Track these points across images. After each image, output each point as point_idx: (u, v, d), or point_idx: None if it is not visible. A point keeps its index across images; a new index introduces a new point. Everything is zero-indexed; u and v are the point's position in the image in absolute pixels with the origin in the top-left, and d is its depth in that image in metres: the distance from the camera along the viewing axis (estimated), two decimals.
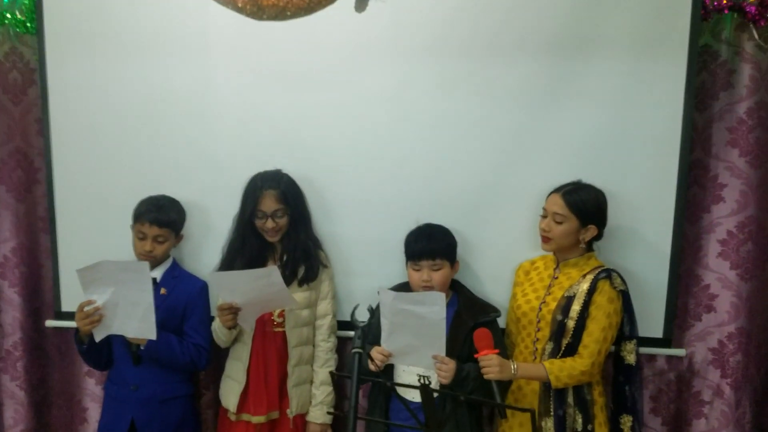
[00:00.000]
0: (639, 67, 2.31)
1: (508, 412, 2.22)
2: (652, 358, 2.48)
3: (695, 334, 2.46)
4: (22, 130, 2.70)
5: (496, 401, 1.91)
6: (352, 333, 2.43)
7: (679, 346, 2.47)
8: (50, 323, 2.74)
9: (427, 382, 1.65)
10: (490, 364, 1.97)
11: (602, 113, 2.35)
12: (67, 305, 2.64)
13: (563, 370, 2.05)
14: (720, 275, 2.42)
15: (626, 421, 2.21)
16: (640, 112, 2.33)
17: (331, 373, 1.78)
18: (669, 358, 2.48)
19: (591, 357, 2.07)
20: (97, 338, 2.21)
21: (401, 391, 2.21)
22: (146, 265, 2.16)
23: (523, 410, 1.61)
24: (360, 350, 1.65)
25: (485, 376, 1.97)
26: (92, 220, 2.60)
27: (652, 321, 2.38)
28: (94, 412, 2.80)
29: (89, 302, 2.16)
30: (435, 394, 1.75)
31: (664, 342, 2.42)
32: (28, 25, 2.58)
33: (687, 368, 2.49)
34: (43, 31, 2.55)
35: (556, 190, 2.20)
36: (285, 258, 2.35)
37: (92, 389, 2.80)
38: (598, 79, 2.33)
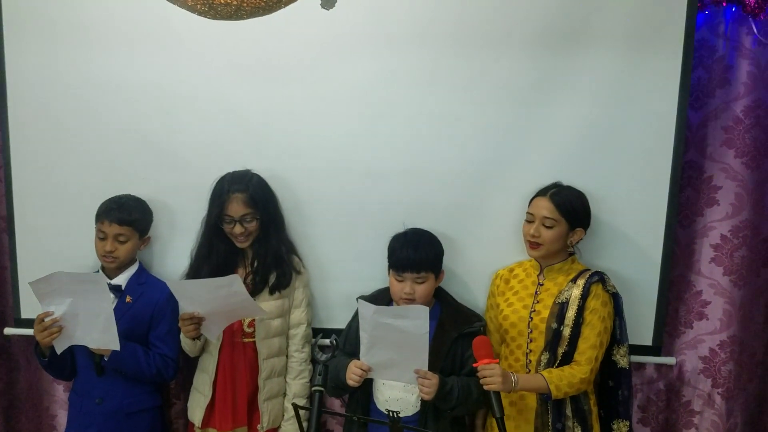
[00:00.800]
0: (631, 62, 2.21)
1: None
2: (641, 366, 2.40)
3: (686, 341, 2.40)
4: None
5: (495, 416, 1.81)
6: (326, 342, 2.38)
7: (669, 354, 2.41)
8: (9, 331, 2.61)
9: (395, 417, 1.55)
10: (493, 374, 1.86)
11: (592, 110, 2.25)
12: (27, 312, 2.51)
13: (563, 379, 1.96)
14: (713, 281, 2.34)
15: (622, 426, 2.12)
16: (632, 110, 2.23)
17: (293, 404, 1.67)
18: (658, 366, 2.42)
19: (589, 363, 1.99)
20: (59, 350, 2.10)
21: (380, 402, 2.13)
22: (102, 277, 2.06)
23: None
24: (321, 388, 1.55)
25: (485, 387, 1.86)
26: (54, 221, 2.46)
27: (641, 328, 2.31)
28: (62, 419, 2.69)
29: (47, 314, 2.05)
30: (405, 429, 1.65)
31: (653, 350, 2.35)
32: None
33: (677, 377, 2.42)
34: (1, 18, 2.39)
35: (541, 193, 2.12)
36: (255, 264, 2.23)
37: (61, 396, 2.69)
38: (588, 73, 2.23)
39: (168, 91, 2.37)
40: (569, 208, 2.05)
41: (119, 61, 2.37)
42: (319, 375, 1.58)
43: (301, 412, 1.62)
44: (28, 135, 2.45)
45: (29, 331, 2.42)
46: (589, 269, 2.11)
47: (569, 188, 2.12)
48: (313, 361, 1.76)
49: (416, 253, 2.10)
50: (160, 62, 2.35)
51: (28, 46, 2.40)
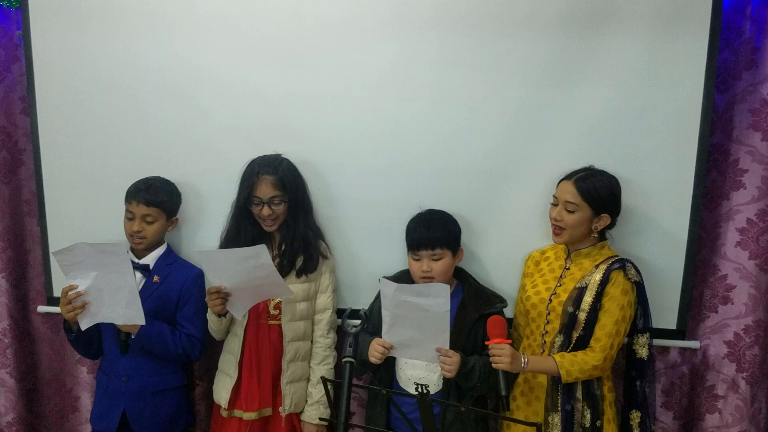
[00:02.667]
0: (656, 44, 2.18)
1: (512, 406, 2.15)
2: (664, 350, 2.39)
3: (710, 326, 2.37)
4: (6, 109, 2.59)
5: (501, 393, 1.83)
6: (353, 322, 2.39)
7: (694, 338, 2.39)
8: (42, 309, 2.67)
9: (424, 391, 1.55)
10: (502, 353, 1.88)
11: (616, 93, 2.23)
12: (58, 291, 2.53)
13: (574, 365, 1.96)
14: (738, 265, 2.32)
15: (635, 416, 2.12)
16: (657, 92, 2.21)
17: (322, 378, 1.68)
18: (682, 350, 2.40)
19: (603, 351, 1.98)
20: (83, 326, 2.12)
21: (402, 381, 2.14)
22: (122, 246, 2.06)
23: (530, 424, 1.51)
24: (352, 360, 1.56)
25: (494, 365, 1.88)
26: (82, 203, 2.50)
27: (665, 312, 2.29)
28: (86, 400, 2.74)
29: (71, 287, 2.07)
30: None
31: (677, 334, 2.33)
32: None
33: (701, 361, 2.40)
34: (28, 4, 2.42)
35: (567, 177, 2.10)
36: (283, 247, 2.24)
37: (84, 377, 2.73)
38: (613, 56, 2.21)
39: (195, 75, 2.39)
40: (592, 193, 2.03)
41: (146, 45, 2.39)
42: (350, 346, 1.59)
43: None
44: (56, 119, 2.48)
45: (59, 309, 2.49)
46: (616, 256, 2.08)
47: (600, 173, 2.08)
48: (344, 332, 1.76)
49: (429, 231, 2.13)
50: (186, 46, 2.37)
51: (54, 30, 2.43)
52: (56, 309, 2.58)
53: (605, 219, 2.06)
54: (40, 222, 2.56)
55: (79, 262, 2.03)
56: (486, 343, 1.94)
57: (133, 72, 2.41)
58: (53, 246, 2.51)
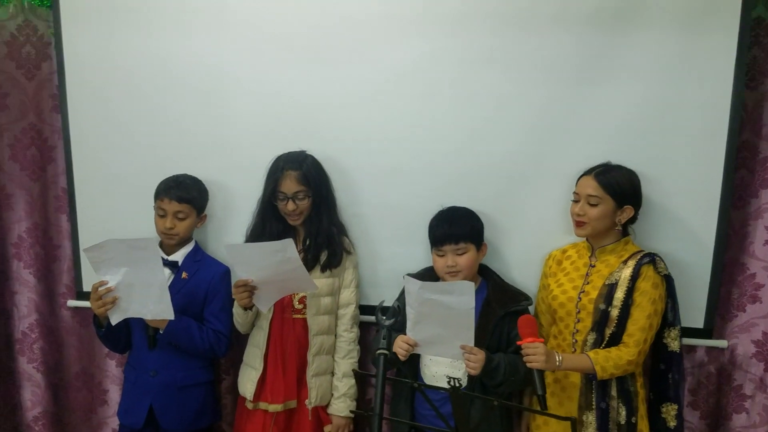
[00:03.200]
0: (685, 40, 2.16)
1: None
2: (691, 349, 2.37)
3: (738, 325, 2.34)
4: (36, 107, 2.63)
5: (537, 393, 1.81)
6: (374, 318, 2.40)
7: (721, 337, 2.36)
8: (72, 303, 2.71)
9: (457, 385, 1.55)
10: (536, 352, 1.87)
11: (644, 90, 2.21)
12: (87, 285, 2.60)
13: (609, 360, 1.95)
14: (767, 264, 2.29)
15: (670, 409, 2.11)
16: (685, 89, 2.19)
17: (354, 371, 1.69)
18: (709, 349, 2.37)
19: (637, 346, 1.97)
20: (113, 321, 2.14)
21: (427, 378, 2.14)
22: (154, 241, 2.09)
23: (565, 418, 1.51)
24: (385, 352, 1.56)
25: (528, 365, 1.87)
26: (111, 199, 2.55)
27: (693, 311, 2.27)
28: (114, 394, 2.77)
29: (102, 283, 2.09)
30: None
31: (704, 333, 2.31)
32: None
33: (728, 360, 2.37)
34: (59, 2, 2.47)
35: (587, 173, 2.10)
36: (307, 242, 2.26)
37: (113, 371, 2.76)
38: (640, 52, 2.19)
39: (221, 74, 2.42)
40: (614, 185, 2.03)
41: (174, 44, 2.42)
42: (383, 339, 1.59)
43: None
44: (86, 116, 2.52)
45: (88, 304, 2.51)
46: (642, 251, 2.08)
47: (618, 167, 2.10)
48: (378, 324, 1.77)
49: (452, 226, 2.13)
50: (213, 46, 2.40)
51: (84, 29, 2.47)
52: (86, 303, 2.61)
53: (628, 211, 2.06)
54: (70, 217, 2.60)
55: (109, 259, 2.06)
56: (518, 343, 1.92)
57: (161, 71, 2.45)
58: (83, 241, 2.55)
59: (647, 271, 2.02)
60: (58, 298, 2.75)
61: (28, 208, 2.66)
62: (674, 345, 2.09)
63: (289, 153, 2.28)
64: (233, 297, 2.19)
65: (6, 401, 2.86)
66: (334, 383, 2.30)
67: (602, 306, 2.02)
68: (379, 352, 1.56)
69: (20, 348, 2.77)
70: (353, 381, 2.30)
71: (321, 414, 2.30)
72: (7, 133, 2.64)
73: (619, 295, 2.01)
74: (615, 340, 2.01)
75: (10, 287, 2.74)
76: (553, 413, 2.04)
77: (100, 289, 2.09)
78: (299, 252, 2.23)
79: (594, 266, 2.11)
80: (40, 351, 2.76)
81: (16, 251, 2.70)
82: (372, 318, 2.41)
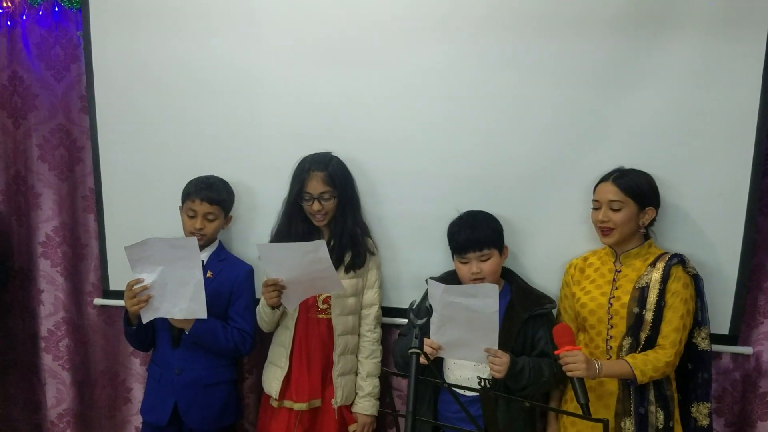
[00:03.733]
0: (712, 46, 2.15)
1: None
2: (717, 355, 2.34)
3: (764, 332, 2.32)
4: (65, 107, 2.67)
5: (580, 402, 1.78)
6: (396, 320, 2.42)
7: (746, 344, 2.34)
8: (98, 302, 2.74)
9: (487, 385, 1.55)
10: (576, 360, 1.85)
11: (668, 94, 2.20)
12: (114, 284, 2.63)
13: (647, 364, 1.94)
14: None
15: (702, 408, 2.09)
16: (712, 95, 2.17)
17: (384, 370, 1.70)
18: (735, 356, 2.36)
19: (673, 347, 1.97)
20: (145, 320, 2.17)
21: (450, 381, 2.14)
22: (195, 240, 2.10)
23: (598, 420, 1.50)
24: (418, 351, 1.57)
25: (569, 374, 1.85)
26: (138, 199, 2.58)
27: (718, 316, 2.24)
28: (138, 392, 2.79)
29: (137, 281, 2.12)
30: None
31: (730, 339, 2.29)
32: None
33: (754, 368, 2.35)
34: (88, 5, 2.50)
35: (604, 179, 2.11)
36: (332, 243, 2.28)
37: (137, 369, 2.79)
38: (666, 57, 2.18)
39: (247, 77, 2.44)
40: (634, 188, 2.04)
41: (200, 47, 2.45)
42: (416, 338, 1.59)
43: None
44: (114, 117, 2.56)
45: (116, 302, 2.59)
46: (667, 252, 2.08)
47: (632, 170, 2.10)
48: (411, 323, 1.77)
49: (474, 232, 2.12)
50: (238, 49, 2.43)
51: (113, 32, 2.51)
52: (112, 302, 2.67)
53: (650, 212, 2.07)
54: (97, 217, 2.63)
55: (147, 257, 2.08)
56: (556, 353, 1.91)
57: (186, 73, 2.48)
58: (110, 240, 2.58)
59: (677, 271, 2.02)
60: (85, 297, 2.79)
61: (56, 207, 2.71)
62: (704, 344, 2.08)
63: (315, 154, 2.30)
64: (262, 296, 2.20)
65: (30, 398, 2.91)
66: (359, 383, 2.32)
67: (636, 309, 2.01)
68: (411, 351, 1.56)
69: (46, 346, 2.81)
70: (377, 381, 2.32)
71: (345, 413, 2.31)
72: (36, 134, 2.69)
73: (652, 297, 2.00)
74: (650, 343, 2.00)
75: (36, 285, 2.79)
76: (588, 427, 2.06)
77: (135, 287, 2.12)
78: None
79: (620, 271, 2.11)
80: (65, 349, 2.80)
81: (44, 250, 2.74)
82: (393, 320, 2.45)
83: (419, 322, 1.64)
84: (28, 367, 2.88)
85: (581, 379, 1.82)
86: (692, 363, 2.10)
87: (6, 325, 2.86)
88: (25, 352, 2.87)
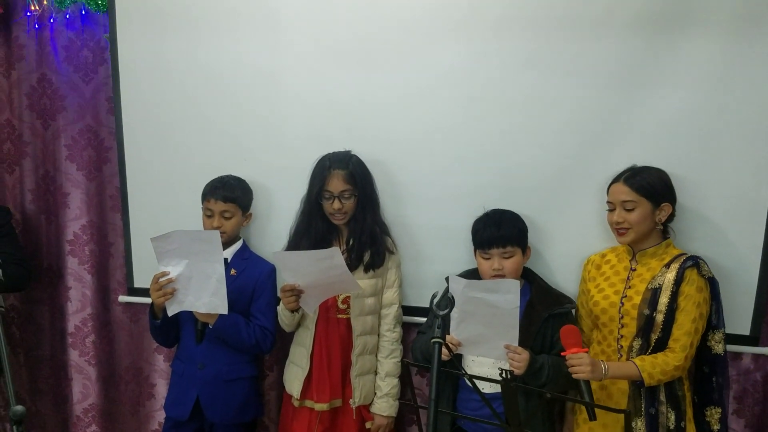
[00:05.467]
0: (732, 47, 2.14)
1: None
2: (737, 356, 2.33)
3: None
4: (93, 109, 2.73)
5: (585, 400, 1.80)
6: (417, 319, 2.44)
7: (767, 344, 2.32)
8: (123, 299, 2.80)
9: (509, 377, 1.57)
10: (582, 362, 1.86)
11: (691, 95, 2.19)
12: (138, 282, 2.69)
13: (656, 367, 1.94)
14: None
15: (714, 413, 2.08)
16: (733, 95, 2.17)
17: (404, 360, 1.72)
18: (756, 356, 2.34)
19: (684, 350, 1.96)
20: (170, 313, 2.22)
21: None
22: (217, 234, 2.14)
23: (619, 411, 1.51)
24: (440, 340, 1.58)
25: (574, 376, 1.86)
26: (163, 198, 2.63)
27: (739, 317, 2.24)
28: (161, 388, 2.84)
29: (163, 274, 2.17)
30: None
31: (751, 340, 2.28)
32: (99, 2, 2.59)
33: None
34: (114, 8, 2.56)
35: (615, 180, 2.10)
36: (351, 242, 2.30)
37: (161, 366, 2.83)
38: (687, 58, 2.18)
39: (268, 78, 2.48)
40: (646, 186, 2.03)
41: (223, 49, 2.49)
42: (438, 328, 1.61)
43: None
44: (139, 118, 2.61)
45: (141, 299, 2.65)
46: (684, 254, 2.06)
47: (645, 168, 2.08)
48: (433, 314, 1.79)
49: (499, 229, 2.13)
50: (261, 50, 2.46)
51: (138, 34, 2.56)
52: (137, 299, 2.72)
53: (666, 209, 2.06)
54: (123, 217, 2.69)
55: (173, 250, 2.13)
56: (562, 354, 1.92)
57: (210, 75, 2.52)
58: (135, 239, 2.64)
59: (691, 274, 2.00)
60: (111, 294, 2.85)
61: (84, 206, 2.77)
62: (718, 348, 2.07)
63: (335, 153, 2.32)
64: (280, 300, 2.24)
65: (57, 393, 2.97)
66: (377, 383, 2.33)
67: (646, 311, 2.01)
68: (434, 340, 1.57)
69: (73, 342, 2.87)
70: (396, 380, 2.33)
71: (363, 413, 2.33)
72: (64, 134, 2.75)
73: (664, 299, 1.99)
74: (661, 345, 1.99)
75: (64, 282, 2.85)
76: (599, 426, 2.07)
77: (161, 279, 2.16)
78: (342, 252, 2.27)
79: (635, 270, 2.10)
80: (92, 345, 2.86)
81: (72, 248, 2.81)
82: (414, 318, 2.47)
83: (441, 312, 1.65)
84: (56, 362, 2.95)
85: (587, 381, 1.83)
86: (707, 367, 2.09)
87: (35, 321, 2.94)
88: (54, 348, 2.94)
